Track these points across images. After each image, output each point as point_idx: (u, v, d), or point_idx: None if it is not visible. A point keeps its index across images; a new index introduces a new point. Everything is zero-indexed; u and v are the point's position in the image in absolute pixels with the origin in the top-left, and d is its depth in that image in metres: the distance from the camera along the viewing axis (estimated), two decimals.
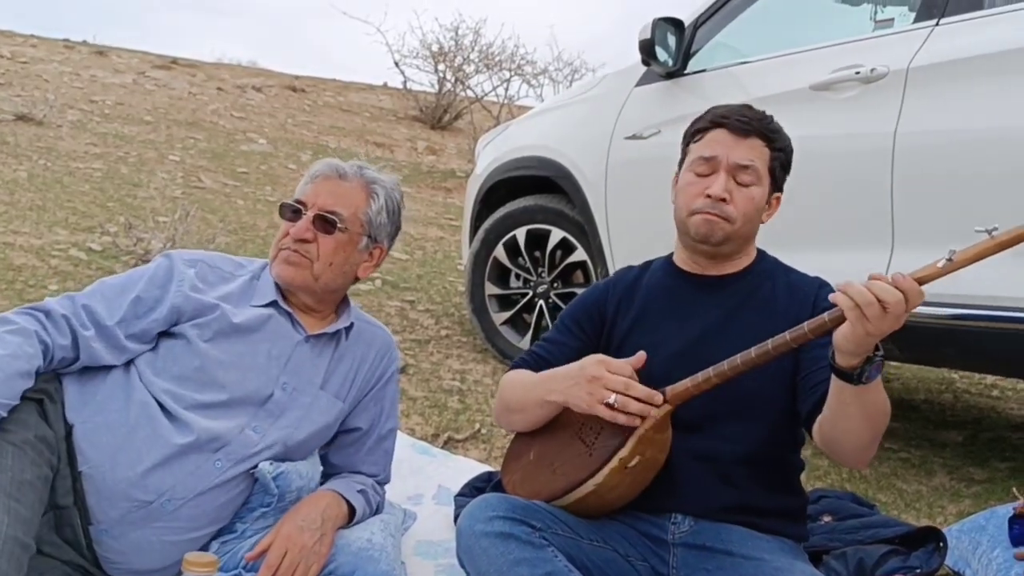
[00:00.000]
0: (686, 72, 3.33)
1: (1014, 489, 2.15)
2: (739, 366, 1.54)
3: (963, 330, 2.62)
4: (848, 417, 1.49)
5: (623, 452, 1.55)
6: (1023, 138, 2.51)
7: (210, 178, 7.01)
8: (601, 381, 1.55)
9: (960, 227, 2.62)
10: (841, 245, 2.80)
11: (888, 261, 2.72)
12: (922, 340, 2.75)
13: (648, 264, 1.88)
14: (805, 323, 1.48)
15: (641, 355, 1.60)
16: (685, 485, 1.63)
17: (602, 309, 1.82)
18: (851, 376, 1.42)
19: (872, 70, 2.77)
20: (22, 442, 1.57)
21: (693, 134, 1.78)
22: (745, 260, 1.78)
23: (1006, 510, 2.01)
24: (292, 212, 1.85)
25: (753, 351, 1.53)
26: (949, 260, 1.36)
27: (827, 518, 2.20)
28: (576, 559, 1.54)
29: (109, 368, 1.75)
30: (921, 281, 1.37)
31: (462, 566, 1.58)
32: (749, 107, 1.77)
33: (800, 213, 2.94)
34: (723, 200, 1.68)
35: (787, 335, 1.49)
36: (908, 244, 2.69)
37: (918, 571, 1.87)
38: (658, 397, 1.57)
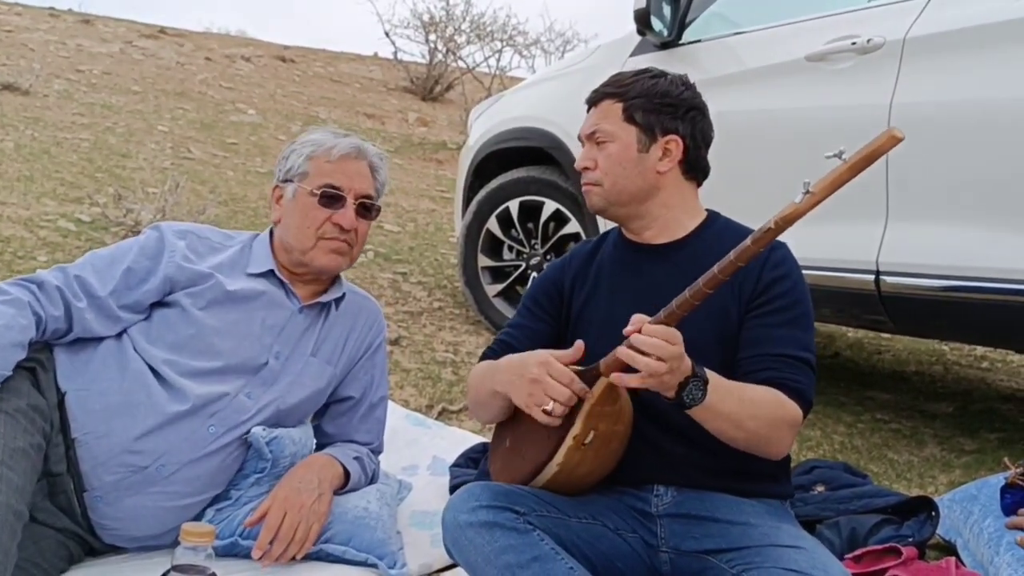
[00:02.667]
0: (681, 42, 3.31)
1: (1005, 459, 2.17)
2: (664, 316, 1.48)
3: (955, 302, 2.63)
4: (718, 432, 1.54)
5: (575, 430, 1.55)
6: (1018, 108, 2.51)
7: (199, 149, 6.96)
8: (541, 385, 1.54)
9: (955, 200, 2.65)
10: (836, 216, 2.78)
11: (882, 232, 2.72)
12: (914, 312, 2.76)
13: (604, 236, 1.87)
14: (730, 254, 1.42)
15: (579, 346, 1.59)
16: (663, 457, 1.64)
17: (559, 286, 1.82)
18: (680, 404, 1.48)
19: (868, 41, 2.76)
20: (14, 410, 1.57)
21: None
22: (687, 223, 1.75)
23: (998, 480, 2.03)
24: (330, 199, 1.83)
25: (673, 302, 1.48)
26: (807, 193, 1.35)
27: (820, 488, 2.21)
28: (565, 539, 1.54)
29: (102, 339, 1.74)
30: (787, 221, 1.37)
31: (451, 557, 1.58)
32: (617, 74, 1.81)
33: (795, 184, 2.95)
34: (587, 168, 1.76)
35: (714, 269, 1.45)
36: (902, 215, 2.69)
37: (910, 540, 1.89)
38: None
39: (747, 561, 1.50)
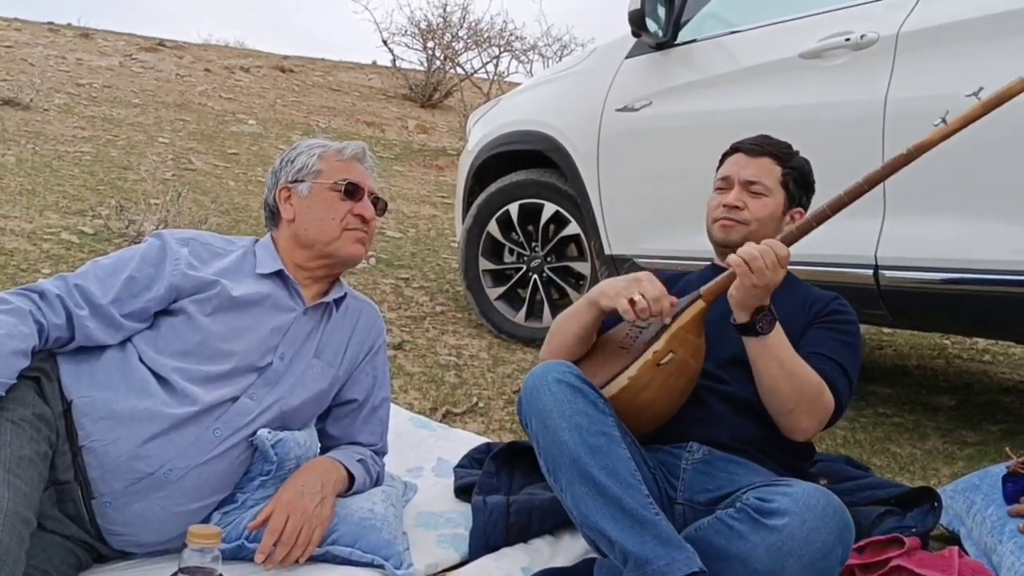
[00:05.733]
0: (676, 43, 3.33)
1: (1007, 449, 2.18)
2: (784, 237, 1.76)
3: (954, 294, 2.63)
4: (766, 374, 1.71)
5: (657, 346, 1.71)
6: (1013, 102, 2.51)
7: (201, 160, 6.98)
8: (638, 283, 1.73)
9: (952, 192, 2.66)
10: None
11: (880, 228, 2.73)
12: (914, 306, 2.77)
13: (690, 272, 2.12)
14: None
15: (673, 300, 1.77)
16: (706, 414, 1.80)
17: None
18: (748, 329, 1.71)
19: (862, 36, 2.77)
20: (20, 419, 1.58)
21: (719, 163, 2.09)
22: None
23: (999, 469, 2.03)
24: (351, 191, 1.90)
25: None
26: (942, 122, 1.63)
27: (823, 481, 2.21)
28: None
29: (105, 348, 1.75)
30: (921, 149, 1.70)
31: (519, 414, 1.70)
32: (766, 136, 2.06)
33: None
34: (736, 207, 1.96)
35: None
36: (899, 211, 2.70)
37: (914, 530, 1.90)
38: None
39: (746, 491, 1.59)
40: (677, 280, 2.03)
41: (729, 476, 1.70)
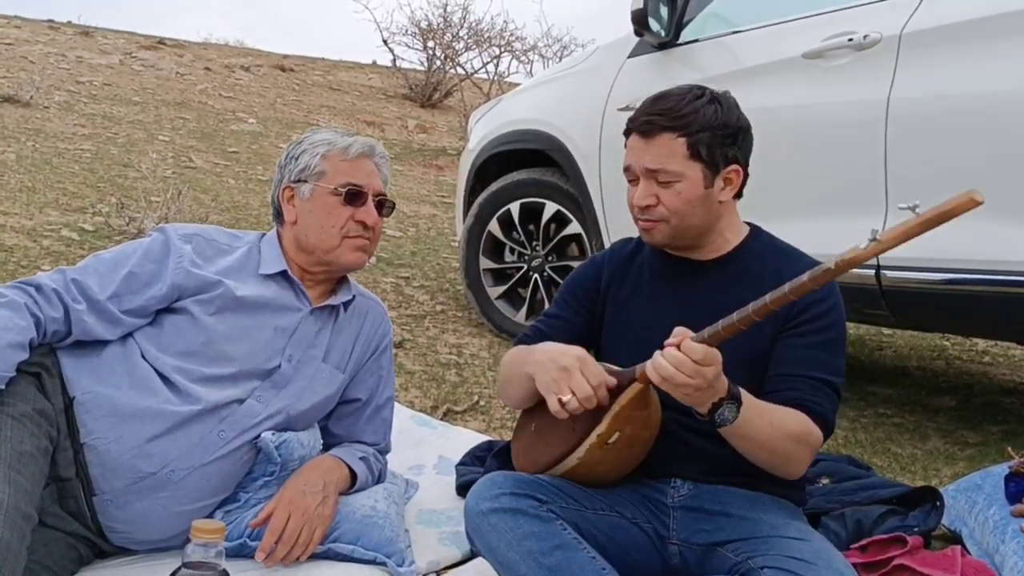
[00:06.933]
0: (679, 42, 3.32)
1: (1008, 448, 2.17)
2: (707, 335, 1.47)
3: (956, 294, 2.63)
4: (741, 450, 1.57)
5: (600, 429, 1.57)
6: (1016, 102, 2.52)
7: (201, 158, 6.98)
8: (568, 376, 1.54)
9: (955, 191, 2.65)
10: (835, 212, 2.81)
11: (881, 228, 2.71)
12: (916, 306, 2.77)
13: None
14: (784, 287, 1.42)
15: (611, 382, 1.57)
16: (685, 450, 1.66)
17: (596, 283, 1.82)
18: (711, 422, 1.50)
19: (865, 37, 2.77)
20: (20, 415, 1.57)
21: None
22: (729, 241, 1.74)
23: (1002, 469, 2.03)
24: (353, 197, 1.84)
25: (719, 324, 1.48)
26: (873, 240, 1.33)
27: (824, 480, 2.22)
28: (583, 529, 1.56)
29: (106, 342, 1.74)
30: (849, 264, 1.35)
31: (471, 544, 1.60)
32: (662, 97, 1.69)
33: (794, 181, 2.96)
34: (648, 207, 1.68)
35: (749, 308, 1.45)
36: (901, 210, 2.69)
37: (916, 530, 1.90)
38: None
39: (753, 549, 1.52)
40: (629, 263, 1.81)
41: (723, 510, 1.62)
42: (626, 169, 1.71)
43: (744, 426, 1.50)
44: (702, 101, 1.66)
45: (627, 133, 1.71)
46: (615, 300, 1.79)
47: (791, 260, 1.71)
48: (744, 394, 1.51)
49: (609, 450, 1.58)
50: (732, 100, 1.71)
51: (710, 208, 1.69)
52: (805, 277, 1.40)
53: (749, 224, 1.79)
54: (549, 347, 1.65)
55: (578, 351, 1.59)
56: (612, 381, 1.56)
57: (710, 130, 1.65)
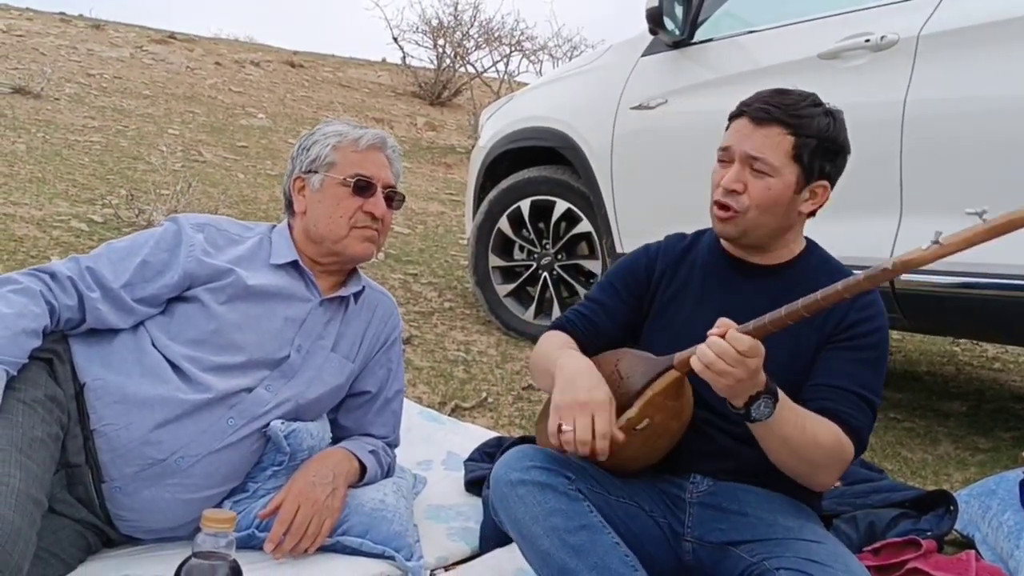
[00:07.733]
0: (693, 41, 3.31)
1: (1021, 454, 2.16)
2: (752, 327, 1.47)
3: (969, 298, 2.62)
4: (771, 452, 1.55)
5: (631, 413, 1.56)
6: None
7: (210, 152, 6.98)
8: (580, 413, 1.52)
9: (970, 195, 2.63)
10: (850, 213, 2.78)
11: (896, 229, 2.72)
12: (929, 309, 2.75)
13: (700, 234, 1.84)
14: (838, 284, 1.43)
15: (619, 437, 1.55)
16: (708, 446, 1.66)
17: (649, 274, 1.80)
18: (745, 415, 1.48)
19: (882, 38, 2.75)
20: (32, 400, 1.57)
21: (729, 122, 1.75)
22: (788, 251, 1.73)
23: (1015, 474, 2.02)
24: (362, 188, 1.84)
25: (756, 321, 1.48)
26: (935, 243, 1.31)
27: (837, 483, 2.20)
28: (607, 515, 1.55)
29: (117, 330, 1.74)
30: (906, 266, 1.34)
31: (495, 515, 1.59)
32: (783, 91, 1.69)
33: None
34: (734, 191, 1.66)
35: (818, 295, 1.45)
36: (917, 212, 2.68)
37: (929, 534, 1.88)
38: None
39: (768, 551, 1.51)
40: (682, 258, 1.80)
41: (740, 509, 1.61)
42: (724, 150, 1.69)
43: (777, 425, 1.49)
44: (819, 110, 1.67)
45: (734, 116, 1.70)
46: (663, 295, 1.77)
47: (843, 278, 1.66)
48: (781, 394, 1.49)
49: (636, 436, 1.57)
50: (843, 120, 1.71)
51: (789, 214, 1.68)
52: (861, 276, 1.40)
53: (807, 239, 1.78)
54: (583, 367, 1.61)
55: (604, 394, 1.56)
56: (620, 436, 1.54)
57: (818, 139, 1.65)
